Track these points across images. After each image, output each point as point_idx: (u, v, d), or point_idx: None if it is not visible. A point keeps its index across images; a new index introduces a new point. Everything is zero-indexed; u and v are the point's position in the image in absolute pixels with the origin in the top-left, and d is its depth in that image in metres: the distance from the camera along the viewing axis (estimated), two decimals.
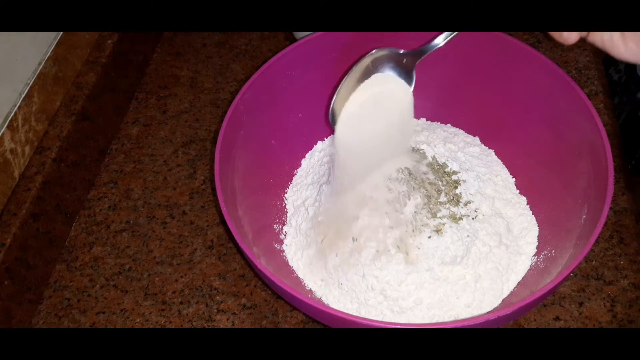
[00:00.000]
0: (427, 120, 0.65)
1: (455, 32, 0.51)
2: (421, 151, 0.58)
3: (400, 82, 0.53)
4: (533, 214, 0.57)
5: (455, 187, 0.56)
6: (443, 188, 0.55)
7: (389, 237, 0.52)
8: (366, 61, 0.53)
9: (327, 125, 0.65)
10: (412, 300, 0.50)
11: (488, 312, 0.50)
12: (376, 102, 0.53)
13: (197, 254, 0.60)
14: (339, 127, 0.52)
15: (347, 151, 0.53)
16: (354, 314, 0.50)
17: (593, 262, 0.56)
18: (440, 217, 0.53)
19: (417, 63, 0.53)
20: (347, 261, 0.53)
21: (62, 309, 0.57)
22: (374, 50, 0.53)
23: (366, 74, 0.53)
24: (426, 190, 0.54)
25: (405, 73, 0.53)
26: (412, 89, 0.53)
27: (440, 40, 0.51)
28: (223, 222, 0.62)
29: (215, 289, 0.57)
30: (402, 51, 0.53)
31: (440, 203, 0.54)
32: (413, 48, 0.53)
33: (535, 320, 0.53)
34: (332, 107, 0.52)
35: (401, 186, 0.54)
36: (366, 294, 0.51)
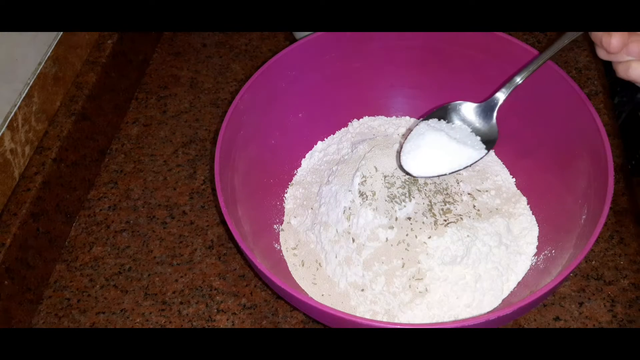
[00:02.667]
0: None
1: (530, 72, 0.51)
2: None
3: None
4: (533, 214, 0.57)
5: (455, 187, 0.56)
6: (443, 188, 0.55)
7: (389, 237, 0.52)
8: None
9: (327, 125, 0.65)
10: (412, 300, 0.50)
11: (488, 312, 0.50)
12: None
13: (197, 254, 0.60)
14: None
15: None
16: (354, 314, 0.50)
17: (593, 262, 0.56)
18: (440, 217, 0.53)
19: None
20: (347, 261, 0.53)
21: (62, 309, 0.57)
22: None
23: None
24: (426, 190, 0.54)
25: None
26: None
27: (519, 79, 0.51)
28: (223, 222, 0.62)
29: (215, 289, 0.57)
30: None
31: (440, 203, 0.54)
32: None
33: (535, 320, 0.53)
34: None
35: (401, 186, 0.54)
36: (366, 292, 0.51)
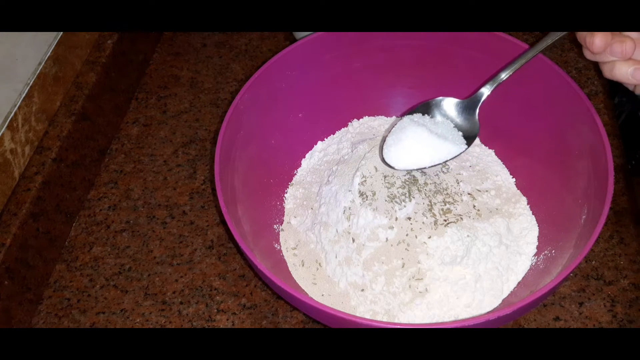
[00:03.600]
0: None
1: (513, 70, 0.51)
2: None
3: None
4: (533, 214, 0.57)
5: (455, 187, 0.56)
6: (443, 188, 0.55)
7: (388, 237, 0.52)
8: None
9: (327, 125, 0.65)
10: (412, 300, 0.50)
11: (488, 312, 0.50)
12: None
13: (197, 254, 0.60)
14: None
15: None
16: (354, 314, 0.50)
17: (593, 262, 0.56)
18: (440, 217, 0.53)
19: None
20: (347, 261, 0.53)
21: (62, 309, 0.57)
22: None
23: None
24: (426, 190, 0.54)
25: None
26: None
27: (504, 75, 0.52)
28: (223, 222, 0.62)
29: (215, 289, 0.57)
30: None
31: (440, 203, 0.54)
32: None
33: (535, 320, 0.53)
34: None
35: (401, 186, 0.54)
36: (366, 292, 0.51)
